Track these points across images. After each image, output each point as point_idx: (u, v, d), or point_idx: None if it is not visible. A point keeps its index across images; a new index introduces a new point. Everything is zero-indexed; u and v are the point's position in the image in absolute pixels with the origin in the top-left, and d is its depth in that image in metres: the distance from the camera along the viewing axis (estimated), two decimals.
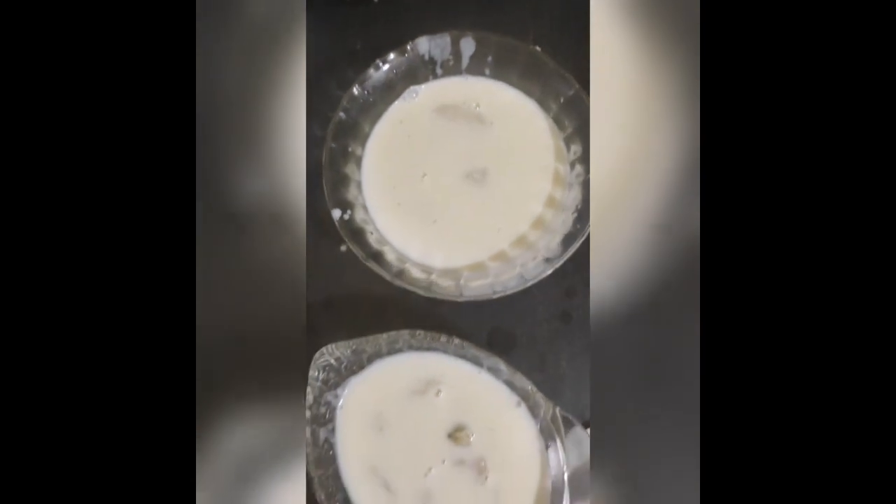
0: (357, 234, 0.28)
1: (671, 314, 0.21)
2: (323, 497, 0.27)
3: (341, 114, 0.29)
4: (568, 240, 0.29)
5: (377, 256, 0.28)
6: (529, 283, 0.27)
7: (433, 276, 0.28)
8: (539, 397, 0.28)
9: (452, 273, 0.29)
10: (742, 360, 0.19)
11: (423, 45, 0.30)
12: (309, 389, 0.28)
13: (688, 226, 0.20)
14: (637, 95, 0.21)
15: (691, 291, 0.19)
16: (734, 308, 0.19)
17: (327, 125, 0.36)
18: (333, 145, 0.29)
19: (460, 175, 0.31)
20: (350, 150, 0.30)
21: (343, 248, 0.35)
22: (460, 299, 0.27)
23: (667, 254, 0.21)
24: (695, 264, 0.19)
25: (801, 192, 0.19)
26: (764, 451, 0.19)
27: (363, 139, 0.31)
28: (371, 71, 0.30)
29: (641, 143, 0.21)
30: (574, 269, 0.34)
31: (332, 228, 0.34)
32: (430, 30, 0.33)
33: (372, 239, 0.29)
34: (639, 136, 0.21)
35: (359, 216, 0.29)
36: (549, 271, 0.27)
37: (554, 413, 0.28)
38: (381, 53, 0.35)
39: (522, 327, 0.33)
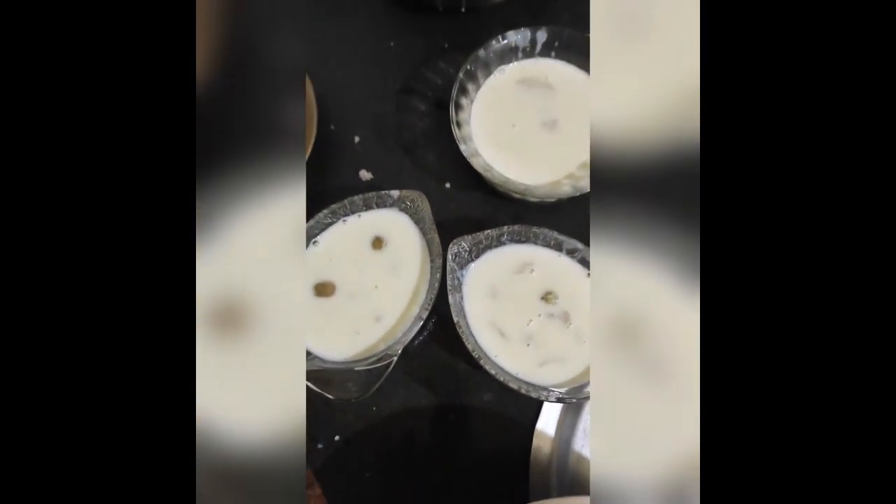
0: (473, 156, 0.42)
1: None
2: (463, 338, 0.40)
3: (461, 74, 0.43)
4: None
5: (488, 170, 0.42)
6: None
7: (528, 187, 0.42)
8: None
9: (540, 186, 0.42)
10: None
11: (511, 35, 0.44)
12: (448, 268, 0.41)
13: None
14: None
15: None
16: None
17: (427, 102, 0.50)
18: (455, 100, 0.43)
19: (539, 124, 0.44)
20: (462, 105, 0.44)
21: (447, 184, 0.49)
22: (551, 199, 0.40)
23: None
24: None
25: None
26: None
27: (471, 100, 0.44)
28: (479, 52, 0.44)
29: None
30: None
31: (437, 172, 0.48)
32: (496, 32, 0.47)
33: (482, 164, 0.42)
34: None
35: (471, 148, 0.43)
36: None
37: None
38: (463, 49, 0.48)
39: (580, 234, 0.46)
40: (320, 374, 0.39)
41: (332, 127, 0.50)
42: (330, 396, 0.38)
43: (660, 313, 0.30)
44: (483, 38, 0.45)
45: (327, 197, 0.44)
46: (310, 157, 0.44)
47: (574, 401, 0.39)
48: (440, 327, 0.44)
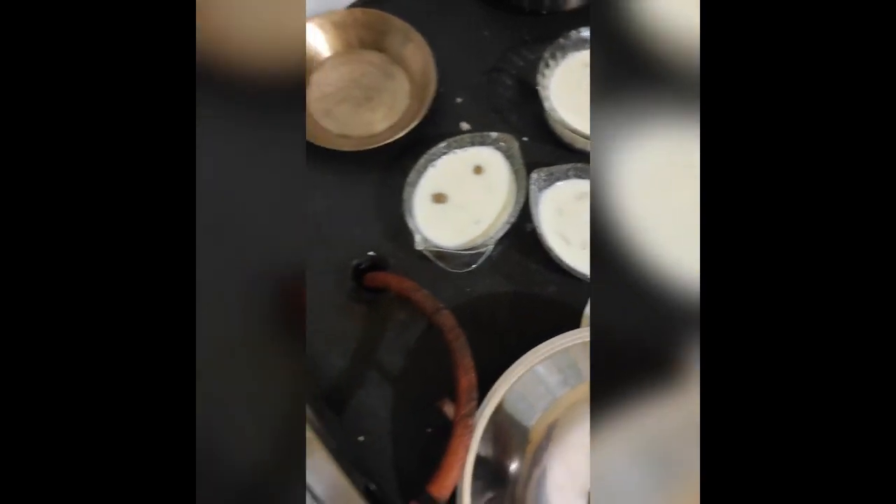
0: (552, 111, 0.58)
1: None
2: (540, 240, 0.55)
3: (547, 53, 0.60)
4: None
5: (560, 122, 0.58)
6: None
7: None
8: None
9: None
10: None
11: (584, 31, 0.61)
12: (530, 190, 0.56)
13: None
14: None
15: None
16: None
17: (512, 79, 0.66)
18: (541, 71, 0.59)
19: None
20: (545, 75, 0.60)
21: (525, 138, 0.64)
22: None
23: None
24: None
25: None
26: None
27: (553, 73, 0.61)
28: (560, 39, 0.61)
29: None
30: None
31: (519, 129, 0.63)
32: (569, 29, 0.63)
33: (558, 118, 0.59)
34: None
35: (550, 106, 0.59)
36: None
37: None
38: (539, 42, 0.65)
39: None
40: (438, 254, 0.55)
41: (442, 90, 0.66)
42: (445, 267, 0.54)
43: None
44: (556, 35, 0.62)
45: (438, 138, 0.60)
46: (427, 110, 0.61)
47: None
48: (519, 237, 0.60)
